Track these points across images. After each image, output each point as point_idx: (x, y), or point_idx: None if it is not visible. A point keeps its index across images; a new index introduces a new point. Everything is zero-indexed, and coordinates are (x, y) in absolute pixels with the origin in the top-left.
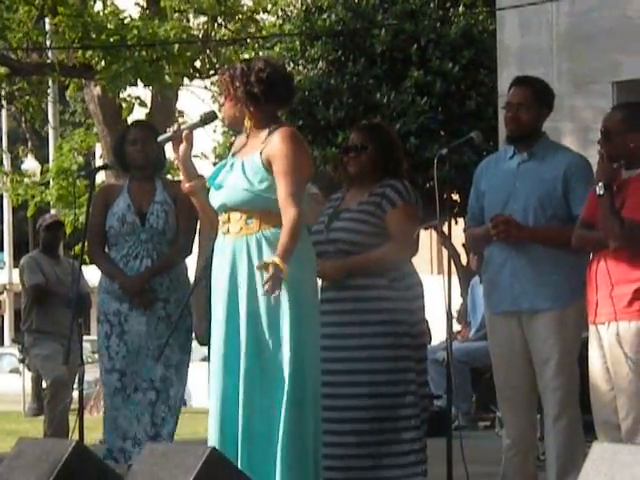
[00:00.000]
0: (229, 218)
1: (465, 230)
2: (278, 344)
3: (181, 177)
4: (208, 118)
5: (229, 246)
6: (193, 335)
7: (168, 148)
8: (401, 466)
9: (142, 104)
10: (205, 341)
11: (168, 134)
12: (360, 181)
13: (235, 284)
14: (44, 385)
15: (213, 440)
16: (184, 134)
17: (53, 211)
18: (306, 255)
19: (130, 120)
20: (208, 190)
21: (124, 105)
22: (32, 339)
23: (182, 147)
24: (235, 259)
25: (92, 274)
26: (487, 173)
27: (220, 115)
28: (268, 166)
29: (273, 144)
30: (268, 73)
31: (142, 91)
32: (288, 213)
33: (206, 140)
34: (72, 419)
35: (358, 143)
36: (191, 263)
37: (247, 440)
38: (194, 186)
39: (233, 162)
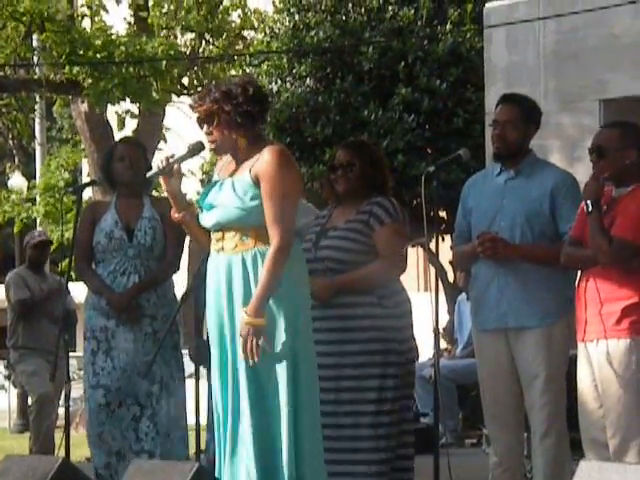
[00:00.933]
0: (223, 236)
1: (452, 247)
2: (274, 360)
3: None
4: (196, 149)
5: (224, 263)
6: (185, 352)
7: (156, 163)
8: None
9: (133, 116)
10: (197, 359)
11: (156, 170)
12: (347, 199)
13: (232, 300)
14: (30, 402)
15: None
16: (174, 168)
17: (40, 228)
18: (299, 269)
19: (120, 135)
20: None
21: (116, 119)
22: (17, 355)
23: (172, 181)
24: (231, 275)
25: (79, 291)
26: (474, 190)
27: (207, 144)
28: (257, 183)
29: (262, 162)
30: (254, 91)
31: (131, 105)
32: (272, 242)
33: (193, 158)
34: (58, 436)
35: (344, 161)
36: (178, 280)
37: (237, 453)
38: (184, 216)
39: (223, 182)
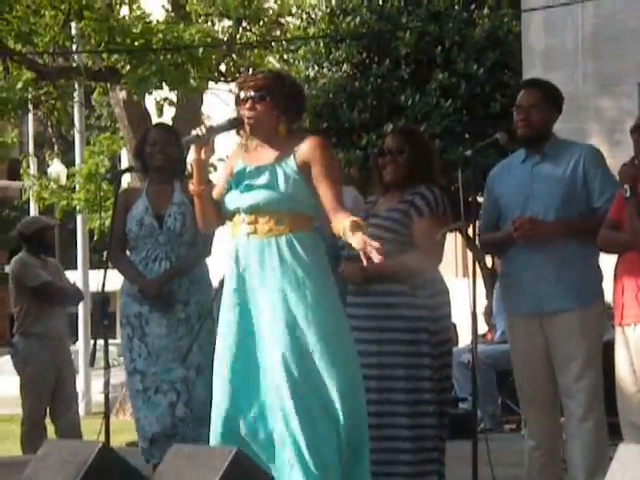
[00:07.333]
0: (256, 219)
1: (479, 235)
2: (311, 338)
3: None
4: (235, 123)
5: (255, 246)
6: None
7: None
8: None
9: (172, 104)
10: None
11: (193, 135)
12: (394, 186)
13: (265, 283)
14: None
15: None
16: (211, 138)
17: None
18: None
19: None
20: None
21: (155, 106)
22: (27, 347)
23: (204, 150)
24: (264, 257)
25: (115, 278)
26: (501, 179)
27: (246, 120)
28: (302, 170)
29: (309, 149)
30: (302, 90)
31: (169, 92)
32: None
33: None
34: (98, 422)
35: (393, 147)
36: (211, 264)
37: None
38: (205, 189)
39: (260, 167)
